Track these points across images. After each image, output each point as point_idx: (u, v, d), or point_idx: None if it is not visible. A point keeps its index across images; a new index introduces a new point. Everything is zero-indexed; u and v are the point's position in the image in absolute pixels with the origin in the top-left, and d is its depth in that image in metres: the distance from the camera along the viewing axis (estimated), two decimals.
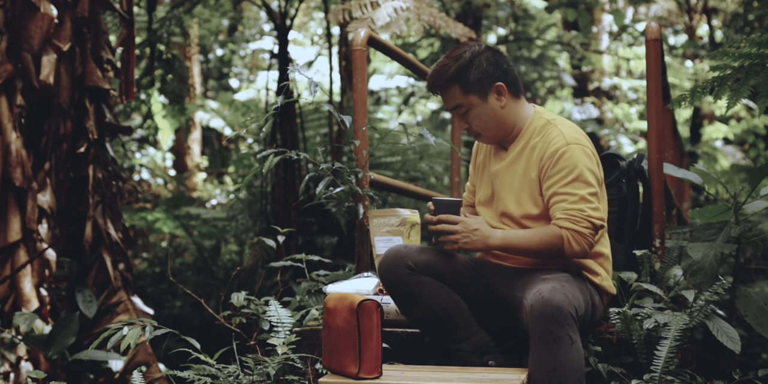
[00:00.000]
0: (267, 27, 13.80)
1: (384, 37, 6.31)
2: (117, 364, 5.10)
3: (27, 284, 4.89)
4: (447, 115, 11.68)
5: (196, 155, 12.96)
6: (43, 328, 4.76)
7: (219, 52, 14.64)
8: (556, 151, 2.79)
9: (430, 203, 2.83)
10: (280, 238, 3.47)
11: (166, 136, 10.83)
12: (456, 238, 2.76)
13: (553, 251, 2.75)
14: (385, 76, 13.18)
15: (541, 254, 2.78)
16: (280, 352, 2.97)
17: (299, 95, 8.67)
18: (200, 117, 12.81)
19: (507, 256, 2.89)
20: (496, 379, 2.54)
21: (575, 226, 2.72)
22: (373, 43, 3.78)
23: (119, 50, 5.99)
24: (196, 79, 12.77)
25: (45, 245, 5.05)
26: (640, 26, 11.44)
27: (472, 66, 2.83)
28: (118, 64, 5.82)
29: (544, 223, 2.83)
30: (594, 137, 11.23)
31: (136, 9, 8.75)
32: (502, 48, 11.21)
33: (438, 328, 2.83)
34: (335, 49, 8.24)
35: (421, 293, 2.80)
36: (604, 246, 2.94)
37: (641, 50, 12.05)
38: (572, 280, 2.74)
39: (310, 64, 11.73)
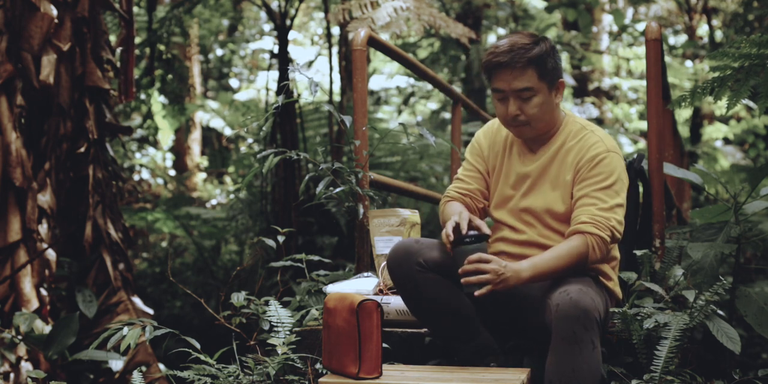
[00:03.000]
0: (267, 27, 13.80)
1: (384, 37, 6.31)
2: (117, 364, 5.10)
3: (27, 284, 4.89)
4: (447, 115, 11.68)
5: (196, 155, 12.97)
6: (43, 328, 4.76)
7: (219, 52, 14.65)
8: (596, 156, 2.79)
9: (448, 232, 2.66)
10: (280, 238, 3.47)
11: (166, 136, 10.84)
12: (490, 279, 2.59)
13: (581, 263, 2.72)
14: (385, 76, 13.20)
15: (569, 270, 2.72)
16: (280, 352, 2.97)
17: (299, 95, 8.68)
18: (200, 117, 12.82)
19: (522, 255, 2.84)
20: (497, 379, 2.54)
21: (600, 233, 2.70)
22: (373, 43, 3.78)
23: (119, 50, 5.99)
24: (196, 79, 12.78)
25: (45, 245, 5.05)
26: (640, 26, 11.45)
27: (551, 55, 2.80)
28: (118, 64, 5.82)
29: (565, 224, 2.82)
30: None
31: (136, 9, 8.76)
32: None
33: (443, 326, 2.82)
34: (335, 49, 8.24)
35: (430, 291, 2.78)
36: (617, 250, 2.94)
37: (641, 50, 12.05)
38: (594, 285, 2.74)
39: (310, 64, 11.74)
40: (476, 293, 2.59)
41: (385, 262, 3.12)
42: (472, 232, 2.65)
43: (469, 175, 3.00)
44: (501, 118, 2.86)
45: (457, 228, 2.69)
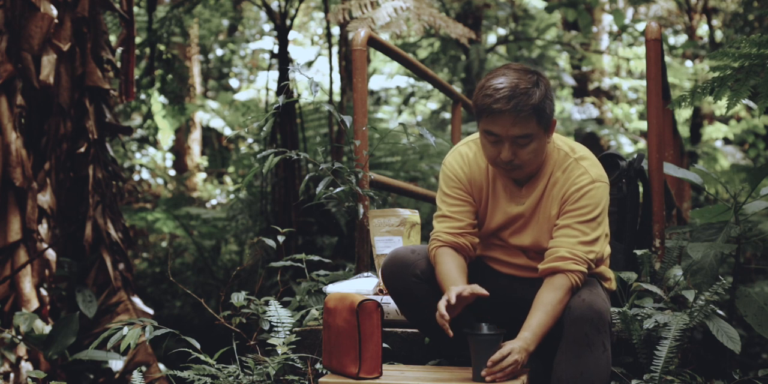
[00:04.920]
0: (267, 27, 13.80)
1: (384, 37, 6.31)
2: (117, 364, 5.10)
3: (27, 284, 4.89)
4: (447, 115, 11.68)
5: (196, 155, 12.97)
6: (43, 328, 4.76)
7: (219, 52, 14.64)
8: (581, 188, 2.71)
9: (442, 312, 2.53)
10: (280, 238, 3.47)
11: (166, 136, 10.84)
12: (515, 370, 2.50)
13: (568, 301, 2.65)
14: (385, 76, 13.19)
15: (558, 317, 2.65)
16: (280, 352, 2.97)
17: (299, 95, 8.68)
18: (200, 117, 12.82)
19: (519, 268, 2.86)
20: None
21: (580, 267, 2.66)
22: (373, 43, 3.78)
23: (119, 50, 5.99)
24: (196, 79, 12.78)
25: (45, 245, 5.05)
26: (640, 26, 11.44)
27: (549, 97, 2.66)
28: (118, 64, 5.82)
29: None
30: (594, 137, 11.23)
31: (136, 9, 8.76)
32: (502, 48, 11.23)
33: (443, 335, 2.81)
34: (335, 49, 8.24)
35: (428, 302, 2.74)
36: (607, 246, 2.93)
37: (641, 50, 12.05)
38: (598, 286, 2.74)
39: (310, 64, 11.74)
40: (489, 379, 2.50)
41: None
42: (488, 331, 2.54)
43: (456, 211, 2.81)
44: (490, 160, 2.71)
45: (465, 314, 2.61)
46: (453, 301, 2.53)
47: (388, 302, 3.16)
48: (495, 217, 2.82)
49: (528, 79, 2.63)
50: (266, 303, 3.27)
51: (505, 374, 2.48)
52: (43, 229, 5.10)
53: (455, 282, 2.64)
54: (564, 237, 2.69)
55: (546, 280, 2.67)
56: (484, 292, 2.57)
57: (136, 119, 11.85)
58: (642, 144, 11.78)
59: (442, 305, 2.54)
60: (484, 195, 2.83)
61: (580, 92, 12.91)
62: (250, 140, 10.00)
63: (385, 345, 2.86)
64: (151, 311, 5.51)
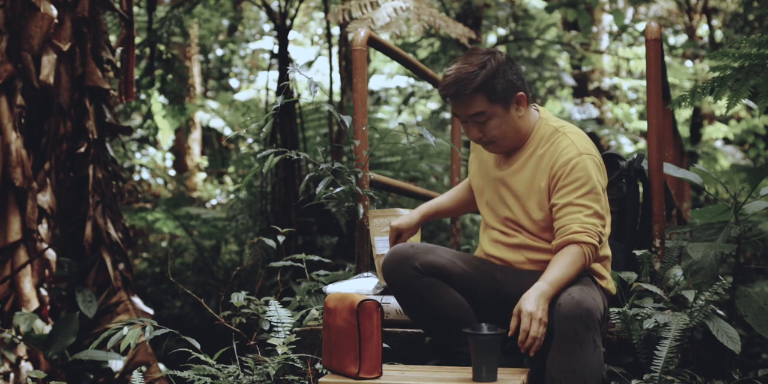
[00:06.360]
0: (267, 27, 13.80)
1: (384, 37, 6.31)
2: (117, 364, 5.10)
3: (27, 284, 4.89)
4: (447, 115, 11.68)
5: (196, 155, 12.97)
6: (43, 328, 4.76)
7: (219, 52, 14.64)
8: (568, 161, 2.77)
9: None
10: (280, 238, 3.47)
11: (166, 136, 10.84)
12: (541, 332, 2.57)
13: (581, 272, 2.72)
14: (385, 76, 13.19)
15: (574, 279, 2.70)
16: (280, 352, 2.97)
17: (299, 95, 8.67)
18: (200, 117, 12.82)
19: (516, 260, 2.88)
20: (497, 379, 2.54)
21: (592, 240, 2.71)
22: (373, 43, 3.78)
23: (119, 50, 5.99)
24: (196, 79, 12.78)
25: (45, 245, 5.05)
26: (640, 26, 11.44)
27: (498, 75, 2.78)
28: (118, 64, 5.82)
29: (548, 231, 2.82)
30: (594, 137, 11.23)
31: (136, 9, 8.76)
32: (502, 48, 11.22)
33: (442, 330, 2.82)
34: (335, 49, 8.24)
35: (428, 295, 2.78)
36: (607, 248, 2.94)
37: (641, 50, 12.05)
38: (592, 284, 2.75)
39: (310, 64, 11.74)
40: (532, 353, 2.58)
41: None
42: (488, 331, 2.55)
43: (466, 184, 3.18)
44: (470, 139, 2.90)
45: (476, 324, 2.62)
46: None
47: (388, 302, 3.16)
48: (487, 184, 2.97)
49: (474, 62, 2.79)
50: (266, 303, 3.27)
51: (533, 338, 2.55)
52: (43, 229, 5.10)
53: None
54: (570, 214, 2.74)
55: (558, 252, 2.73)
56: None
57: (136, 119, 11.85)
58: (642, 144, 11.79)
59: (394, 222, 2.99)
60: (484, 165, 3.01)
61: (580, 92, 12.91)
62: (250, 140, 10.00)
63: (385, 345, 2.86)
64: (151, 311, 5.51)
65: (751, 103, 8.67)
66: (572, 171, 2.76)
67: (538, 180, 2.82)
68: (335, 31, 8.46)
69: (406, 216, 3.09)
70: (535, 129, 2.89)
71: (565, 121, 2.94)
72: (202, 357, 3.00)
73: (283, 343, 2.99)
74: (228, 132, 12.37)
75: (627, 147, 11.62)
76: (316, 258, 3.56)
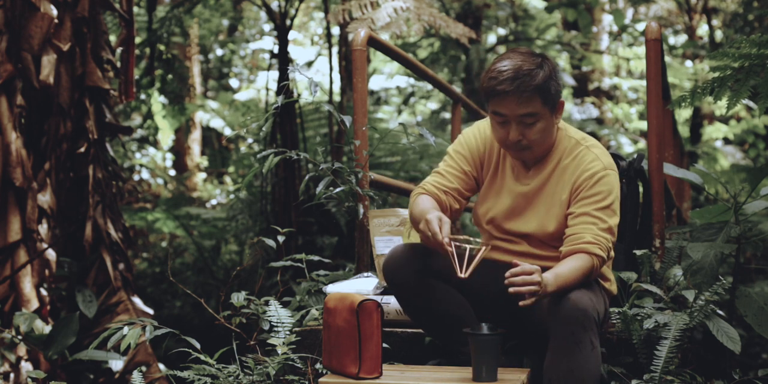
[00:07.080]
0: (267, 27, 13.80)
1: (384, 37, 6.31)
2: (117, 364, 5.10)
3: (27, 284, 4.89)
4: (447, 115, 11.68)
5: (196, 155, 12.97)
6: (43, 328, 4.76)
7: (219, 52, 14.64)
8: (594, 175, 2.74)
9: (434, 229, 2.57)
10: (280, 238, 3.47)
11: (166, 136, 10.85)
12: (538, 289, 2.46)
13: (586, 281, 2.69)
14: (385, 76, 13.20)
15: (578, 285, 2.66)
16: (280, 352, 2.97)
17: (299, 95, 8.68)
18: (200, 117, 12.82)
19: (520, 256, 2.85)
20: (497, 380, 2.54)
21: (603, 253, 2.69)
22: (373, 43, 3.78)
23: (119, 50, 5.99)
24: (196, 79, 12.78)
25: (45, 245, 5.05)
26: (640, 26, 11.45)
27: (553, 77, 2.72)
28: (118, 64, 5.82)
29: (556, 241, 2.78)
30: (594, 137, 11.20)
31: (136, 9, 8.76)
32: (502, 48, 11.22)
33: (443, 330, 2.82)
34: (335, 49, 8.24)
35: (429, 296, 2.77)
36: (612, 250, 2.94)
37: (641, 50, 12.05)
38: (593, 286, 2.74)
39: (310, 64, 11.74)
40: (522, 303, 2.48)
41: None
42: (488, 331, 2.53)
43: (451, 173, 2.89)
44: (500, 141, 2.78)
45: (473, 324, 2.60)
46: (434, 221, 2.56)
47: (388, 302, 3.16)
48: (500, 194, 2.86)
49: (532, 61, 2.71)
50: (266, 303, 3.27)
51: (528, 289, 2.44)
52: (43, 229, 5.10)
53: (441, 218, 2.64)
54: (585, 224, 2.71)
55: (569, 256, 2.69)
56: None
57: (136, 119, 11.85)
58: (642, 144, 11.79)
59: (434, 222, 2.57)
60: (492, 172, 2.89)
61: (580, 92, 12.91)
62: (250, 140, 10.01)
63: (385, 345, 2.86)
64: (151, 311, 5.51)
65: (751, 103, 8.67)
66: (596, 184, 2.74)
67: (560, 193, 2.79)
68: (335, 31, 8.47)
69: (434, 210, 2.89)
70: (558, 140, 2.83)
71: (583, 133, 2.90)
72: (202, 357, 3.00)
73: (283, 343, 2.99)
74: (228, 132, 12.37)
75: (627, 147, 11.62)
76: (316, 258, 3.56)
